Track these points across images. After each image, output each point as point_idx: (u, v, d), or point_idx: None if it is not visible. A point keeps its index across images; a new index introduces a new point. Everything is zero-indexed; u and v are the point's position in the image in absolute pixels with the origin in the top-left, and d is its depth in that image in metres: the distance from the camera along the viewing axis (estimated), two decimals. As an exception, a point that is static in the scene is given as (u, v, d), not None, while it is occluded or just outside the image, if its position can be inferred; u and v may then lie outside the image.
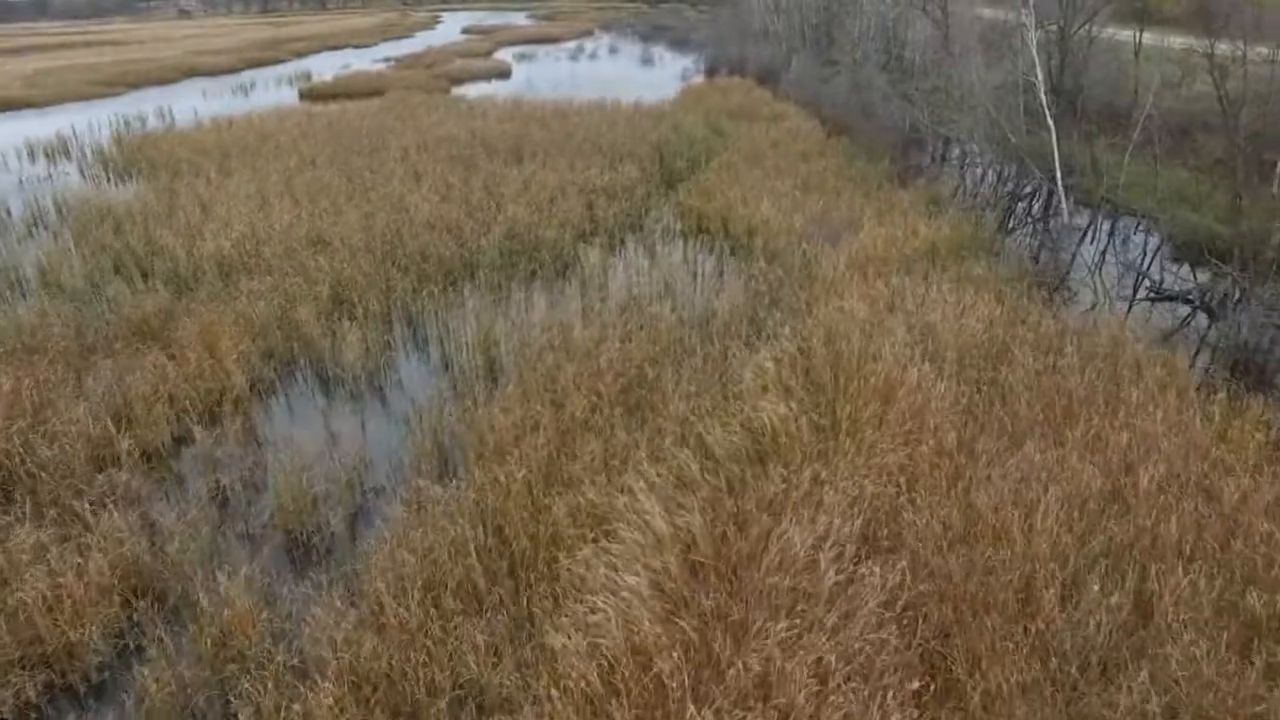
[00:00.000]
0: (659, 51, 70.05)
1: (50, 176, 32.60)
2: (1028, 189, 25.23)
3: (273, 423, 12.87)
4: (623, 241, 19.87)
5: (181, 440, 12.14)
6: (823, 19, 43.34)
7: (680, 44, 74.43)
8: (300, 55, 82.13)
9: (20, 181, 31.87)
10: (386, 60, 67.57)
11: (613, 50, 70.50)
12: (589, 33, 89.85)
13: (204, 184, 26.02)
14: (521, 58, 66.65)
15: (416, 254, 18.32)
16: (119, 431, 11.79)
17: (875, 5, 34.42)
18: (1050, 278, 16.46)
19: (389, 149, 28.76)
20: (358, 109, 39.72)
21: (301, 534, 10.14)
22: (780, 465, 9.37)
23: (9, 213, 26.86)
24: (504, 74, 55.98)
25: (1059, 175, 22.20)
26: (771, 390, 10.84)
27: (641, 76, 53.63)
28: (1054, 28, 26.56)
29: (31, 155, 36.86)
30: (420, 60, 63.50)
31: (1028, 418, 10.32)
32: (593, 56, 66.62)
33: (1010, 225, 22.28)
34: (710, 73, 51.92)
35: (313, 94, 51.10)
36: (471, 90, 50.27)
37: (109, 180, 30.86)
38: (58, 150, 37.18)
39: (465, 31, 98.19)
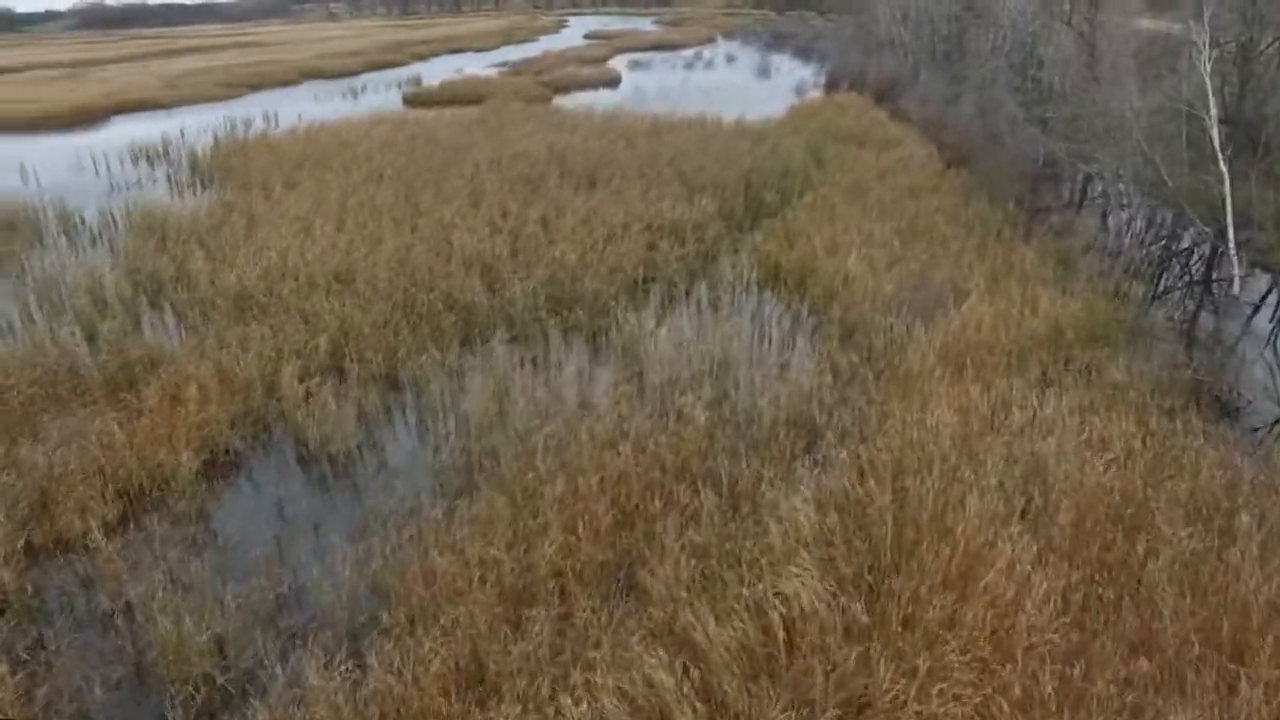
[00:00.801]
0: (778, 61, 66.64)
1: (139, 182, 32.57)
2: (1186, 244, 20.91)
3: (209, 519, 10.80)
4: (683, 294, 17.10)
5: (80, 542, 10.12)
6: (953, 30, 39.11)
7: (802, 53, 70.76)
8: (421, 58, 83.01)
9: (111, 186, 31.89)
10: (500, 65, 66.94)
11: (730, 59, 67.54)
12: (711, 40, 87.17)
13: (262, 199, 24.86)
14: (635, 65, 64.63)
15: (440, 299, 16.14)
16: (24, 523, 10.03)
17: (1011, 16, 30.24)
18: (1213, 379, 12.59)
19: (461, 164, 26.95)
20: (451, 117, 38.42)
21: (174, 692, 7.94)
22: (790, 692, 6.49)
23: (83, 221, 26.57)
24: (612, 83, 54.02)
25: (1230, 228, 18.00)
26: (805, 552, 7.91)
27: (754, 88, 50.53)
28: (1233, 45, 22.16)
29: (134, 159, 37.25)
30: (531, 66, 62.40)
31: (1177, 638, 7.01)
32: (708, 65, 63.90)
33: (1160, 290, 18.18)
34: (829, 86, 48.30)
35: (416, 100, 50.57)
36: (575, 99, 48.46)
37: (185, 189, 30.36)
38: (158, 154, 37.45)
39: (587, 37, 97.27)
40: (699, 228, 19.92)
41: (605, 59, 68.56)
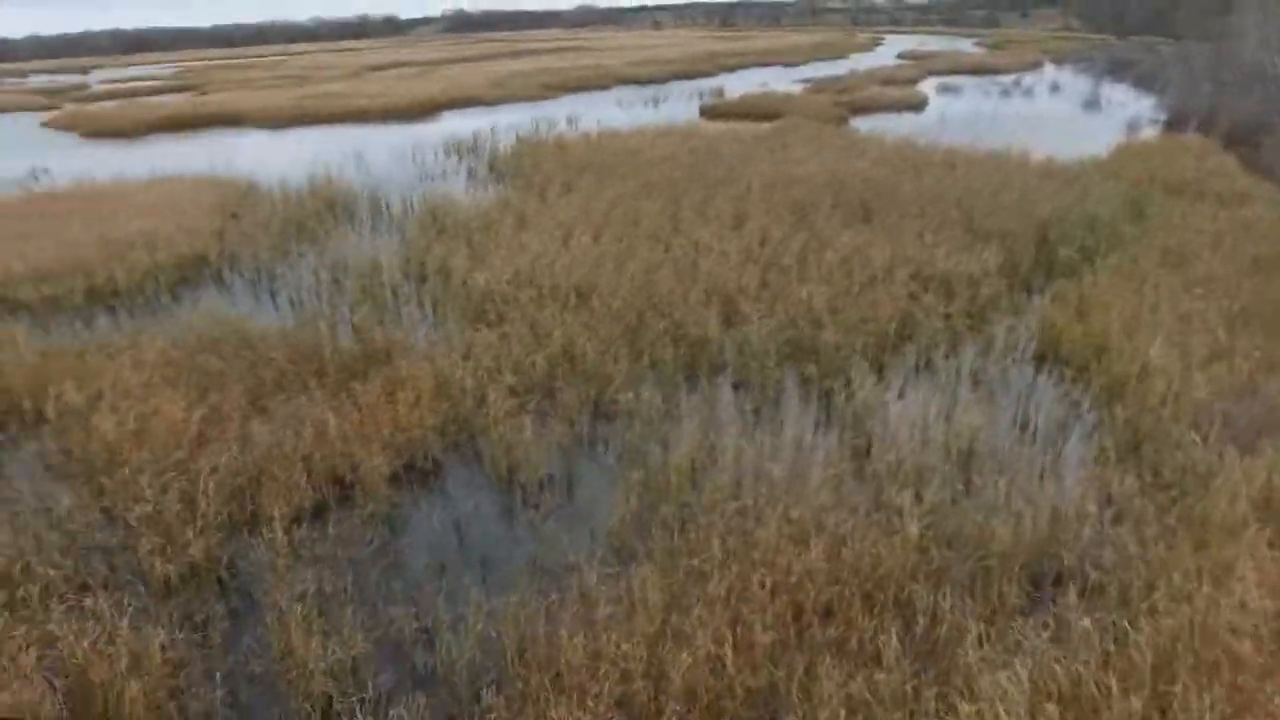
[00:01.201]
0: (1112, 92, 59.07)
1: (444, 174, 35.42)
2: None
3: (388, 527, 10.78)
4: (938, 360, 14.95)
5: (265, 530, 10.43)
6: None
7: (1143, 84, 62.20)
8: (729, 70, 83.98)
9: (420, 176, 34.98)
10: (804, 82, 65.75)
11: (1054, 88, 60.93)
12: (1036, 65, 79.55)
13: (537, 200, 25.74)
14: (945, 89, 60.43)
15: (671, 329, 15.37)
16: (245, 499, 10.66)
17: None
18: None
19: (736, 183, 26.19)
20: (741, 132, 37.89)
21: (294, 705, 7.77)
22: None
23: (387, 207, 29.23)
24: (916, 106, 50.77)
25: None
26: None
27: (1077, 122, 44.97)
28: None
29: (447, 152, 40.75)
30: (833, 85, 60.52)
31: None
32: (1028, 93, 58.10)
33: None
34: (1169, 124, 41.68)
35: (713, 111, 50.81)
36: (873, 121, 46.06)
37: (478, 184, 32.42)
38: (468, 149, 40.63)
39: (900, 56, 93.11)
40: (973, 282, 17.44)
41: (914, 80, 64.84)
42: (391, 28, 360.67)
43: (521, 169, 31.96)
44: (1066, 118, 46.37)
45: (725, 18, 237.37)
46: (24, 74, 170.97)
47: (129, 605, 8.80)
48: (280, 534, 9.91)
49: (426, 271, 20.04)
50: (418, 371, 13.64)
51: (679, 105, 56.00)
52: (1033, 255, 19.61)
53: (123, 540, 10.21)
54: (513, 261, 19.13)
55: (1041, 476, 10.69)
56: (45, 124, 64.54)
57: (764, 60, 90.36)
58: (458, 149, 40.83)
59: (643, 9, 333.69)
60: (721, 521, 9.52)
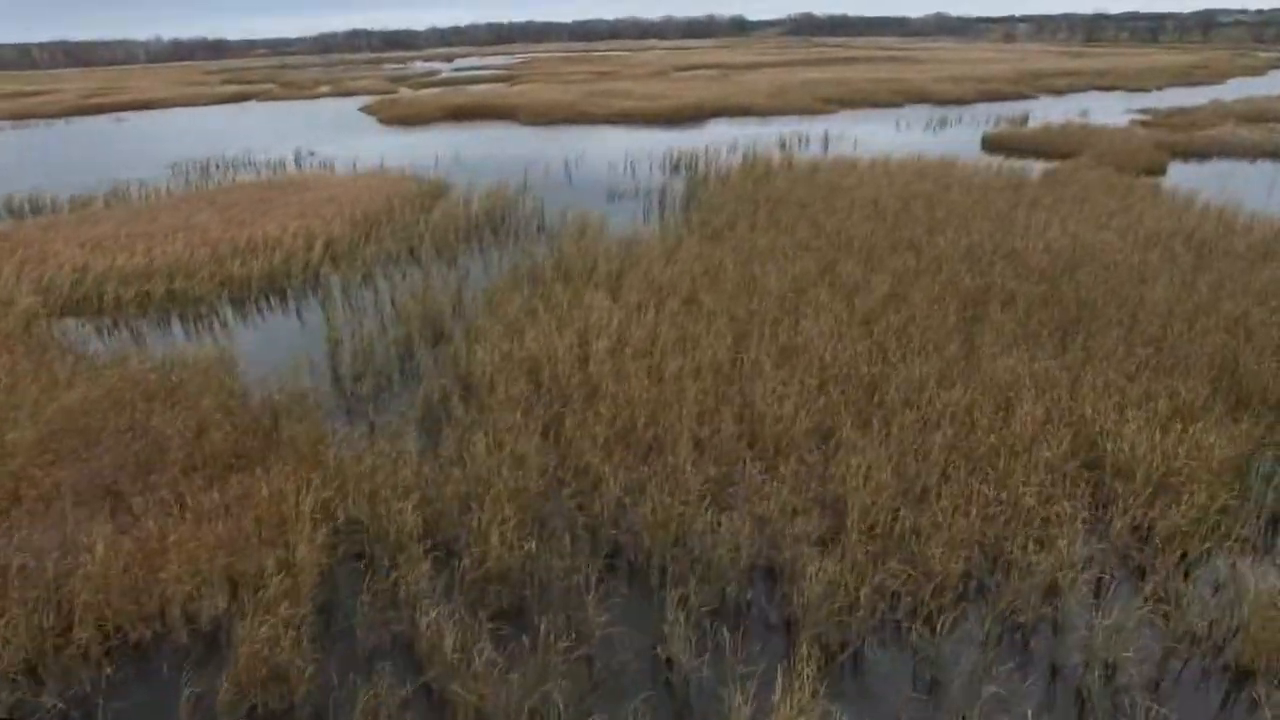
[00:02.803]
0: None
1: (636, 192, 32.20)
2: None
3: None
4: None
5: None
6: None
7: None
8: (1055, 92, 72.58)
9: (610, 194, 32.14)
10: (1142, 112, 54.09)
11: None
12: None
13: (700, 240, 21.71)
14: (1341, 134, 46.09)
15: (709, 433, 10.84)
16: None
17: None
18: None
19: (921, 251, 20.19)
20: (1011, 172, 30.63)
21: None
22: None
23: (540, 227, 26.68)
24: (1278, 153, 38.79)
25: None
26: None
27: None
28: None
29: (664, 166, 37.64)
30: (1174, 119, 48.79)
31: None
32: None
33: None
34: None
35: (996, 142, 42.77)
36: (1208, 171, 35.68)
37: (658, 210, 28.76)
38: (689, 165, 37.19)
39: (1300, 85, 74.65)
40: (1175, 485, 10.65)
41: (1298, 119, 50.47)
42: (736, 27, 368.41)
43: (709, 199, 27.83)
44: None
45: (1091, 31, 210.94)
46: (405, 61, 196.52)
47: None
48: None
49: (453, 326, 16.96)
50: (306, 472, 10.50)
51: (965, 132, 48.16)
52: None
53: None
54: (546, 335, 15.34)
55: None
56: (362, 109, 71.27)
57: (1103, 83, 76.83)
58: (677, 163, 37.57)
59: (1000, 19, 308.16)
60: None
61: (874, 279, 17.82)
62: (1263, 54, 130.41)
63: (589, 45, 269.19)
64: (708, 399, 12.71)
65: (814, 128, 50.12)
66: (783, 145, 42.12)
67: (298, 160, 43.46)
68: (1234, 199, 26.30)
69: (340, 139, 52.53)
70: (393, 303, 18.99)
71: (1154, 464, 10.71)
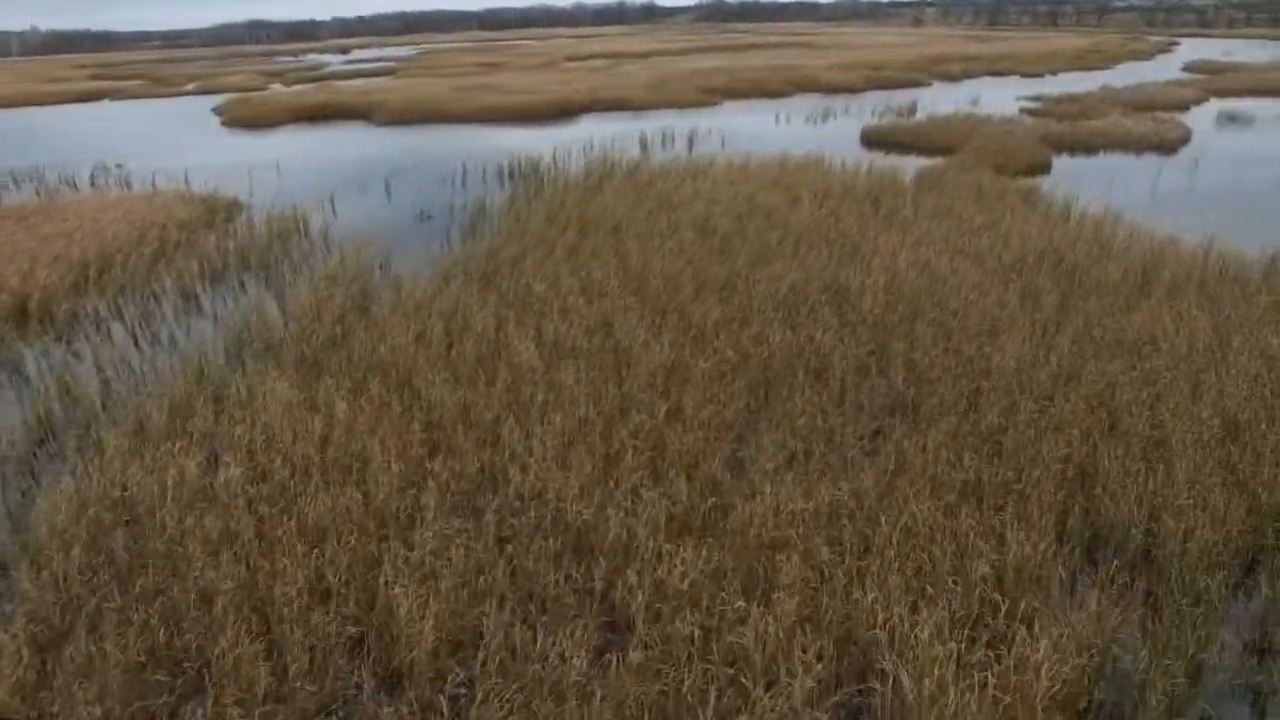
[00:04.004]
0: None
1: (451, 209, 27.58)
2: None
3: None
4: None
5: None
6: None
7: None
8: (951, 79, 70.28)
9: (419, 216, 27.49)
10: (1034, 100, 51.63)
11: None
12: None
13: (463, 284, 17.23)
14: (1228, 121, 44.18)
15: None
16: None
17: None
18: None
19: (737, 297, 16.22)
20: (890, 178, 27.01)
21: None
22: None
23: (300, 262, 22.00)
24: (1167, 147, 36.24)
25: None
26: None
27: None
28: None
29: (502, 175, 33.12)
30: (1065, 107, 46.35)
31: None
32: (1362, 133, 40.64)
33: None
34: None
35: (874, 138, 39.43)
36: (1092, 166, 32.86)
37: (478, 231, 24.25)
38: (528, 171, 32.76)
39: (1186, 69, 73.94)
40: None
41: (1186, 105, 48.55)
42: (647, 14, 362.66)
43: (510, 224, 23.43)
44: None
45: (994, 16, 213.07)
46: (300, 54, 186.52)
47: None
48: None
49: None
50: None
51: (848, 124, 44.83)
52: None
53: None
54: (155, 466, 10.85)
55: None
56: (214, 109, 64.74)
57: (999, 68, 74.95)
58: (514, 172, 33.08)
59: (909, 3, 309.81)
60: None
61: (658, 341, 13.72)
62: (1152, 38, 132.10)
63: (497, 35, 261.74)
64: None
65: (689, 123, 46.14)
66: (643, 145, 37.98)
67: (93, 176, 37.52)
68: (1114, 206, 23.12)
69: (172, 145, 46.47)
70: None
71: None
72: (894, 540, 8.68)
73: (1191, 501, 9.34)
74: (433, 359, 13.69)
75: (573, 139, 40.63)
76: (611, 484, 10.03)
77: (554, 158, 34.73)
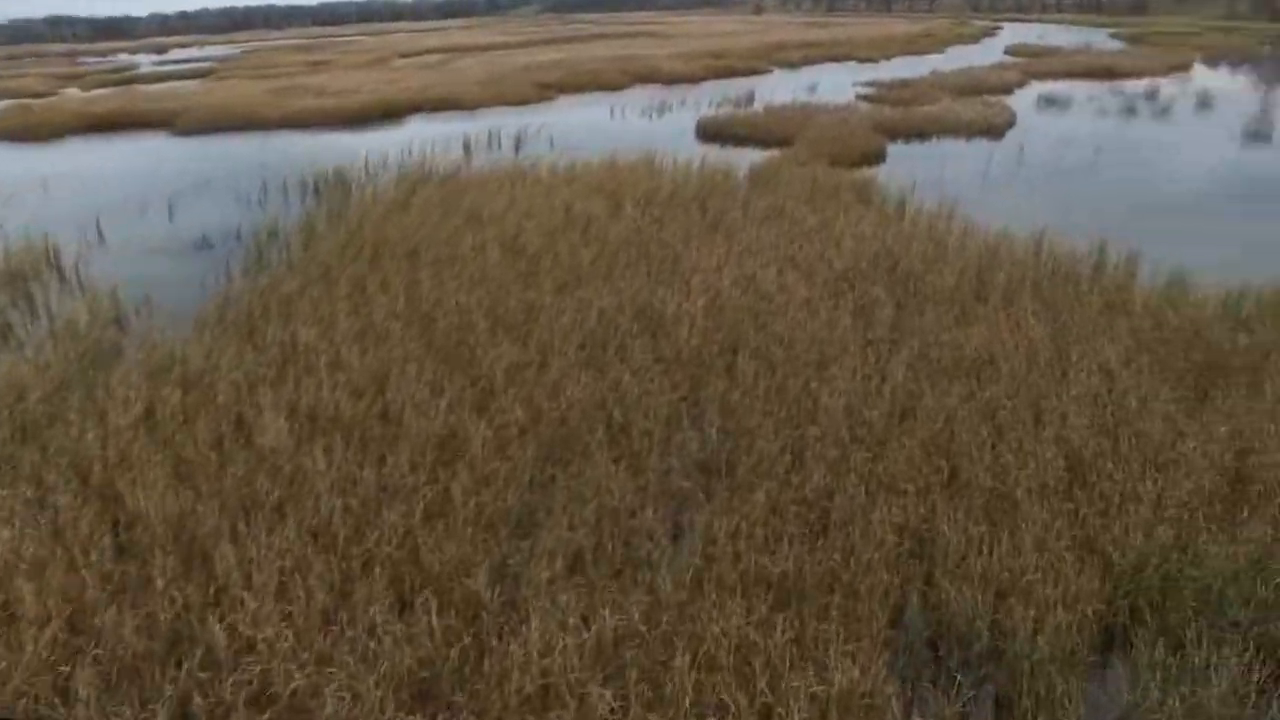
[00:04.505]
0: (1292, 114, 43.21)
1: (239, 233, 24.26)
2: None
3: None
4: None
5: None
6: None
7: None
8: (791, 67, 70.46)
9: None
10: (869, 85, 51.92)
11: (1203, 104, 44.92)
12: (1181, 67, 62.47)
13: (214, 337, 14.26)
14: (1048, 103, 45.57)
15: None
16: None
17: None
18: None
19: (539, 332, 14.16)
20: (723, 176, 25.48)
21: None
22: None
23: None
24: (993, 131, 36.65)
25: None
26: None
27: (1236, 177, 30.22)
28: None
29: (305, 189, 29.77)
30: (899, 93, 46.70)
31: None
32: (1162, 113, 42.53)
33: None
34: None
35: (708, 131, 38.21)
36: (925, 153, 32.65)
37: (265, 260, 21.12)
38: (335, 183, 29.53)
39: (1008, 52, 77.14)
40: None
41: (1009, 88, 49.94)
42: (492, 6, 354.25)
43: (295, 254, 20.52)
44: (1219, 166, 31.54)
45: (832, 1, 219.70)
46: (109, 54, 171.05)
47: None
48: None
49: None
50: None
51: (686, 116, 43.48)
52: None
53: None
54: None
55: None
56: (-14, 117, 57.11)
57: (836, 54, 76.01)
58: (320, 184, 29.79)
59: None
60: None
61: (435, 402, 11.43)
62: (978, 23, 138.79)
63: (334, 31, 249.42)
64: None
65: (522, 120, 43.61)
66: (467, 148, 35.30)
67: None
68: (948, 196, 22.41)
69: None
70: None
71: None
72: (690, 678, 6.81)
73: (1040, 575, 7.94)
74: (159, 445, 10.96)
75: (394, 143, 37.35)
76: (344, 622, 7.74)
77: (367, 166, 31.63)
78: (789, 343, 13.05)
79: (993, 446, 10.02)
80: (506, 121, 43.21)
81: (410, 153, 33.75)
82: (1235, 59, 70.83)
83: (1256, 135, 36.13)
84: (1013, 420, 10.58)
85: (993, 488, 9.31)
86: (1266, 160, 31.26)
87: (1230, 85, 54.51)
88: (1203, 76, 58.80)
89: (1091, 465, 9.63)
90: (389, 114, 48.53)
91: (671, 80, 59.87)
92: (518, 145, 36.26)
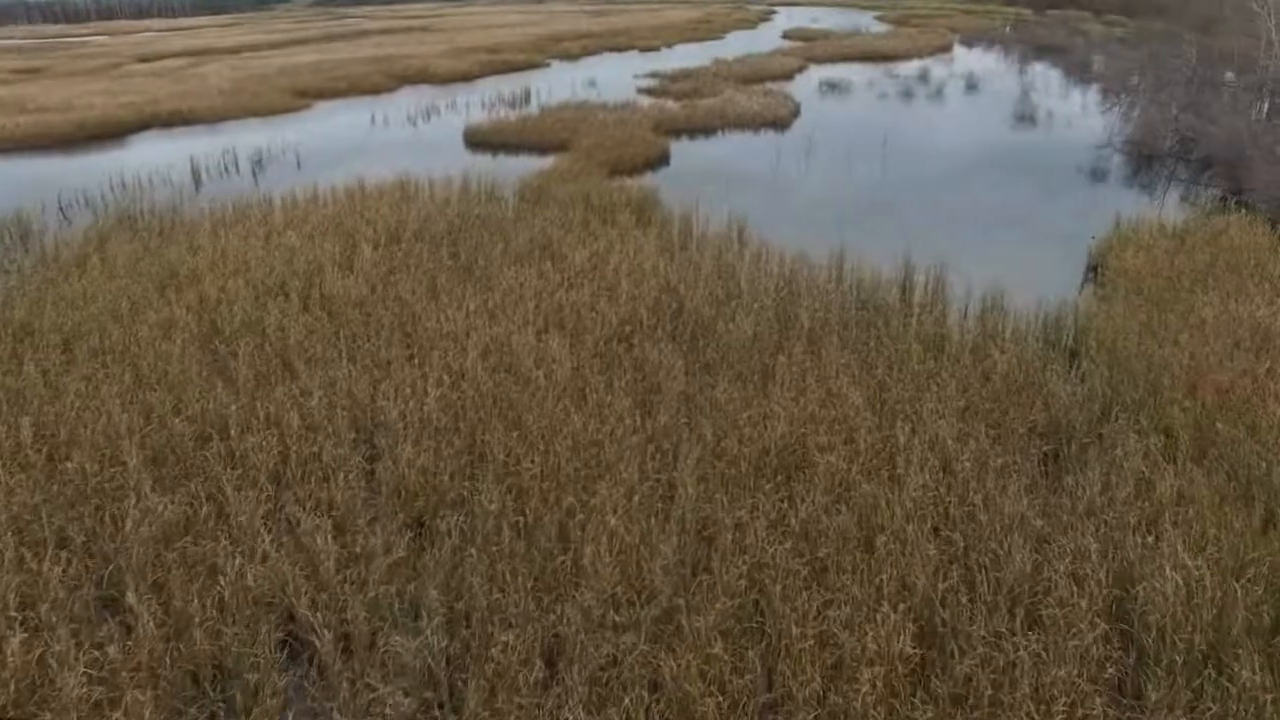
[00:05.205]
0: (1045, 90, 45.09)
1: None
2: None
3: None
4: None
5: None
6: None
7: (1080, 78, 48.69)
8: (570, 58, 67.45)
9: None
10: (650, 77, 49.72)
11: (970, 85, 46.15)
12: (944, 49, 65.07)
13: None
14: (829, 88, 45.21)
15: None
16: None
17: None
18: None
19: (224, 464, 10.14)
20: (485, 195, 21.89)
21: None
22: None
23: None
24: (779, 123, 35.29)
25: None
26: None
27: (1010, 153, 30.14)
28: None
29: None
30: (681, 84, 44.77)
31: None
32: (936, 95, 43.17)
33: None
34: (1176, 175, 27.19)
35: (477, 138, 34.38)
36: (714, 150, 30.59)
37: None
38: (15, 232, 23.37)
39: (786, 36, 77.98)
40: None
41: (791, 74, 49.44)
42: (257, 2, 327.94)
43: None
44: (993, 144, 31.46)
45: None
46: None
47: None
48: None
49: None
50: None
51: (454, 121, 39.37)
52: None
53: None
54: None
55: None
56: None
57: (617, 44, 73.88)
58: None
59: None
60: None
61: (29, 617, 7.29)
62: (753, 8, 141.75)
63: (67, 30, 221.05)
64: None
65: (271, 135, 37.86)
66: (196, 176, 29.54)
67: None
68: (736, 212, 19.99)
69: None
70: None
71: None
72: None
73: None
74: None
75: (106, 172, 30.83)
76: None
77: (61, 209, 25.52)
78: (546, 451, 9.81)
79: (818, 614, 7.24)
80: (251, 138, 37.27)
81: (122, 187, 27.80)
82: (986, 40, 74.95)
83: (1020, 115, 37.05)
84: (839, 581, 7.78)
85: (822, 694, 6.50)
86: (1028, 136, 31.60)
87: (989, 65, 56.90)
88: (963, 58, 61.27)
89: (948, 635, 7.05)
90: (109, 133, 41.01)
91: (445, 79, 55.16)
92: (257, 170, 30.88)
